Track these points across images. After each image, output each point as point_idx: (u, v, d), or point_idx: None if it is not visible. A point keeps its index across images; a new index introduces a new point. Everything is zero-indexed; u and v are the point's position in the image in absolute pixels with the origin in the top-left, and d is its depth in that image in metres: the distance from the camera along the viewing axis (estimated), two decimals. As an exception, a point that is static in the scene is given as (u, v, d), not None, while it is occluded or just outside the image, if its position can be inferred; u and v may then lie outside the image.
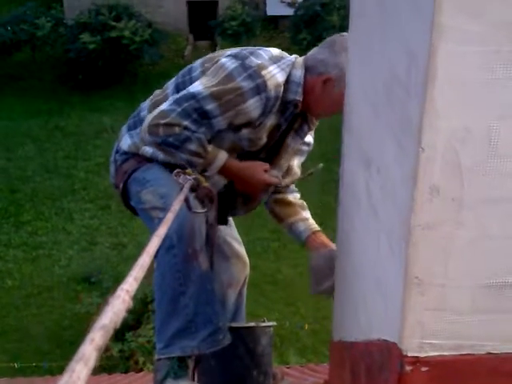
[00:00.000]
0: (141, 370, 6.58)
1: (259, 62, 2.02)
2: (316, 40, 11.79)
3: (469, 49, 1.04)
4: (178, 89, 2.12)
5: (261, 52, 2.09)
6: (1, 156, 14.85)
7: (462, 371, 1.24)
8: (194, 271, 1.94)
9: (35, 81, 17.95)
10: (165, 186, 2.02)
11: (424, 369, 1.21)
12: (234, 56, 2.05)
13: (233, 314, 2.50)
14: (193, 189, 1.89)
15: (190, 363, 2.01)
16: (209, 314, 1.97)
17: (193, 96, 1.98)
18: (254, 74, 1.98)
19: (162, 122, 1.98)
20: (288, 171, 2.34)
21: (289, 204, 2.38)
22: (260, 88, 1.98)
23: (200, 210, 1.92)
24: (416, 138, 1.09)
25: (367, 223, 1.49)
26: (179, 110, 1.98)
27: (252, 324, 2.35)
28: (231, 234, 2.49)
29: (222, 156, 2.07)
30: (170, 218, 1.30)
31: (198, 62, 2.19)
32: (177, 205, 1.48)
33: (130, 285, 0.80)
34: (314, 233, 2.32)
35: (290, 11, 18.72)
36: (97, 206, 13.32)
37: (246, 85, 1.97)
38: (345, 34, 2.12)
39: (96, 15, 17.36)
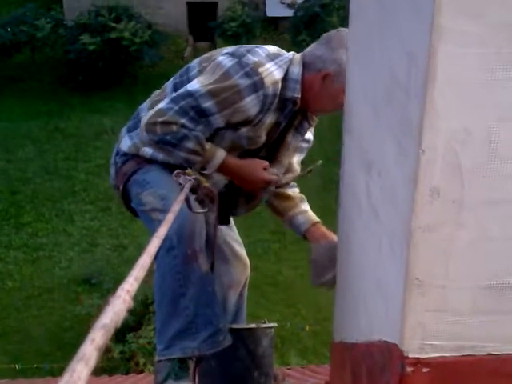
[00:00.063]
0: (141, 372, 6.58)
1: (256, 59, 2.02)
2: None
3: (468, 50, 1.04)
4: (176, 88, 2.12)
5: (258, 50, 2.09)
6: (1, 157, 14.85)
7: (462, 372, 1.24)
8: (194, 273, 1.94)
9: (35, 82, 17.95)
10: (165, 188, 2.02)
11: (425, 370, 1.22)
12: (231, 54, 2.06)
13: (233, 316, 2.50)
14: (193, 189, 1.89)
15: (191, 364, 2.00)
16: (209, 315, 1.97)
17: (190, 94, 1.99)
18: (251, 71, 1.98)
19: (160, 120, 1.98)
20: (288, 168, 2.33)
21: (288, 198, 2.37)
22: (257, 85, 1.98)
23: (200, 210, 1.92)
24: (416, 139, 1.09)
25: (368, 225, 1.49)
26: (176, 108, 1.98)
27: (253, 325, 2.34)
28: (232, 235, 2.49)
29: (221, 154, 2.07)
30: (170, 218, 1.30)
31: (195, 62, 2.19)
32: (177, 205, 1.48)
33: (130, 285, 0.80)
34: (314, 224, 2.31)
35: (289, 12, 18.73)
36: (97, 207, 13.32)
37: (243, 82, 1.97)
38: (342, 29, 2.13)
39: (96, 16, 17.36)
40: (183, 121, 1.97)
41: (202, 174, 2.04)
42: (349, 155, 1.70)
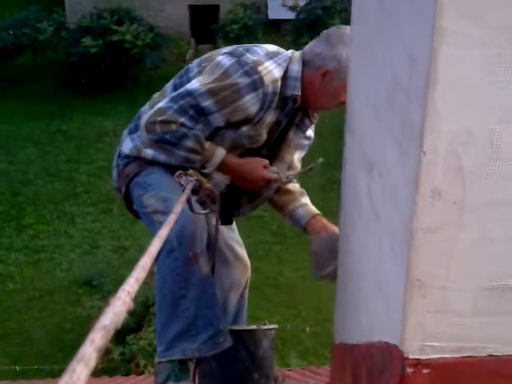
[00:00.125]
0: (142, 373, 6.58)
1: (255, 58, 2.02)
2: (317, 43, 11.77)
3: (470, 52, 1.04)
4: (175, 89, 2.12)
5: (257, 48, 2.09)
6: (2, 159, 14.86)
7: (463, 373, 1.24)
8: (194, 275, 1.94)
9: (37, 85, 17.97)
10: (166, 190, 2.03)
11: (425, 371, 1.22)
12: (230, 53, 2.06)
13: (234, 317, 2.50)
14: (195, 190, 1.89)
15: (191, 366, 2.00)
16: (209, 317, 1.97)
17: (189, 93, 1.99)
18: (251, 70, 1.99)
19: (159, 119, 1.99)
20: (289, 166, 2.33)
21: (288, 192, 2.35)
22: (257, 84, 1.98)
23: (202, 211, 1.93)
24: (418, 141, 1.09)
25: (369, 226, 1.49)
26: (176, 107, 1.99)
27: (253, 327, 2.34)
28: (233, 237, 2.49)
29: (220, 152, 2.07)
30: (172, 219, 1.30)
31: (195, 62, 2.20)
32: (179, 206, 1.48)
33: (130, 286, 0.80)
34: (314, 216, 2.30)
35: (291, 15, 18.75)
36: (99, 209, 13.33)
37: (243, 81, 1.98)
38: (341, 26, 2.13)
39: (98, 19, 17.38)
40: (182, 120, 1.98)
41: (203, 175, 2.04)
42: (350, 156, 1.70)
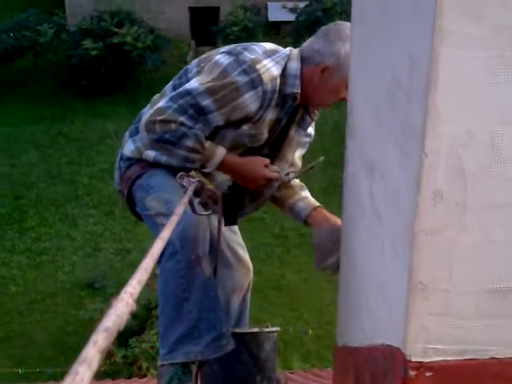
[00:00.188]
0: (144, 376, 6.57)
1: (253, 56, 2.03)
2: (318, 45, 11.77)
3: (470, 53, 1.04)
4: (175, 90, 2.13)
5: (254, 47, 2.10)
6: (4, 162, 14.87)
7: (465, 376, 1.24)
8: (197, 277, 1.94)
9: (38, 87, 17.98)
10: (169, 192, 2.03)
11: (428, 374, 1.21)
12: (228, 52, 2.07)
13: (236, 320, 2.49)
14: (197, 191, 1.89)
15: (194, 369, 2.00)
16: (212, 319, 1.97)
17: (188, 92, 1.99)
18: (249, 68, 1.99)
19: (159, 118, 1.99)
20: (290, 163, 2.33)
21: (287, 186, 2.34)
22: (255, 82, 1.98)
23: (204, 212, 1.93)
24: (419, 143, 1.09)
25: (371, 228, 1.49)
26: (175, 106, 1.99)
27: (255, 329, 2.34)
28: (235, 239, 2.48)
29: (221, 152, 2.07)
30: (174, 220, 1.30)
31: (193, 63, 2.20)
32: (181, 207, 1.48)
33: (133, 287, 0.80)
34: (315, 209, 2.29)
35: (291, 17, 18.75)
36: (101, 211, 13.32)
37: (241, 79, 1.98)
38: (339, 22, 2.13)
39: (98, 21, 17.39)
40: (182, 119, 1.98)
41: (205, 176, 2.04)
42: (352, 158, 1.70)
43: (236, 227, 2.49)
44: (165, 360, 1.98)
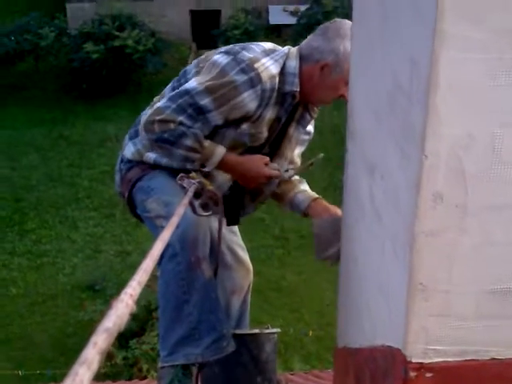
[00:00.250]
0: (145, 378, 6.57)
1: (251, 55, 2.03)
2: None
3: (471, 56, 1.04)
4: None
5: (253, 46, 2.11)
6: (5, 165, 14.88)
7: (466, 377, 1.24)
8: (197, 279, 1.94)
9: (39, 90, 18.00)
10: (169, 194, 2.03)
11: (428, 375, 1.21)
12: (226, 52, 2.08)
13: (237, 321, 2.49)
14: (197, 193, 1.89)
15: (194, 371, 2.00)
16: (212, 321, 1.97)
17: (187, 92, 2.00)
18: (247, 67, 1.99)
19: (158, 118, 1.99)
20: (289, 161, 2.33)
21: (286, 181, 2.34)
22: (254, 81, 1.99)
23: (205, 213, 1.93)
24: (419, 145, 1.10)
25: (371, 229, 1.49)
26: (174, 106, 1.99)
27: (256, 331, 2.34)
28: (235, 240, 2.49)
29: (220, 151, 2.07)
30: (174, 221, 1.30)
31: (192, 64, 2.21)
32: (181, 208, 1.48)
33: (133, 288, 0.80)
34: (315, 200, 2.29)
35: (292, 20, 18.78)
36: (101, 214, 13.34)
37: (240, 78, 1.98)
38: (338, 20, 2.14)
39: (99, 25, 17.41)
40: (181, 118, 1.98)
41: (205, 177, 2.04)
42: (352, 160, 1.71)
43: (236, 228, 2.49)
44: (165, 362, 1.98)
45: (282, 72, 2.07)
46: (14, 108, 17.11)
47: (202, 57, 2.21)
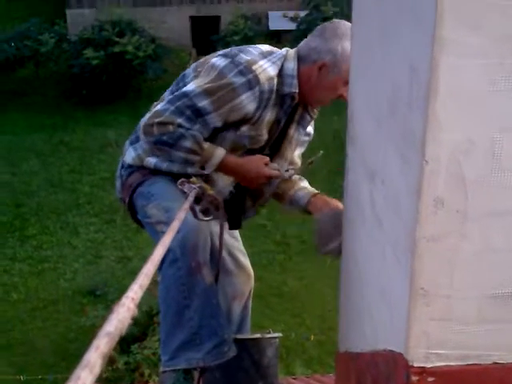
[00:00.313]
0: (146, 383, 6.56)
1: (249, 58, 2.04)
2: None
3: (470, 61, 1.05)
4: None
5: (250, 49, 2.12)
6: (5, 171, 14.87)
7: (468, 381, 1.24)
8: (198, 284, 1.94)
9: (39, 96, 18.00)
10: (169, 200, 2.03)
11: (430, 379, 1.21)
12: (224, 55, 2.09)
13: (238, 326, 2.49)
14: (198, 198, 1.90)
15: (196, 375, 2.00)
16: (214, 326, 1.97)
17: (185, 94, 2.01)
18: (245, 69, 2.00)
19: (156, 120, 2.00)
20: (289, 162, 2.33)
21: (286, 180, 2.33)
22: (252, 83, 1.99)
23: (205, 218, 1.93)
24: (419, 150, 1.10)
25: (372, 235, 1.50)
26: (172, 108, 2.00)
27: (257, 335, 2.34)
28: (237, 246, 2.48)
29: (220, 152, 2.07)
30: (175, 225, 1.30)
31: (191, 68, 2.21)
32: (182, 213, 1.49)
33: (134, 292, 0.80)
34: (315, 195, 2.29)
35: (292, 25, 18.77)
36: (102, 219, 13.31)
37: (238, 80, 1.99)
38: (335, 20, 2.15)
39: (99, 31, 17.41)
40: (180, 120, 1.99)
41: (206, 182, 2.05)
42: (352, 165, 1.71)
43: (237, 234, 2.49)
44: (167, 366, 1.98)
45: (280, 74, 2.08)
46: (15, 114, 17.11)
47: (201, 60, 2.22)
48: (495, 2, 1.02)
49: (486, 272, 1.18)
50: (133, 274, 0.88)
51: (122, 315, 0.73)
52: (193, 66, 2.22)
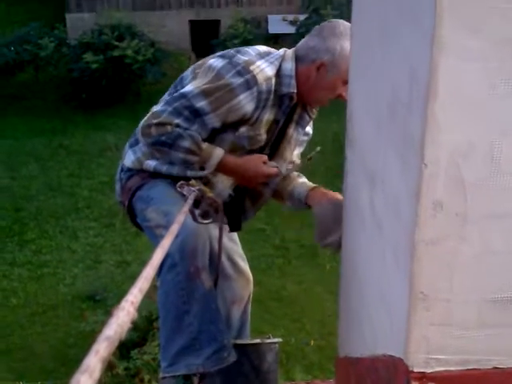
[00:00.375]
0: (146, 388, 6.54)
1: (246, 58, 2.05)
2: (318, 56, 11.78)
3: (470, 64, 1.04)
4: None
5: (248, 49, 2.13)
6: (5, 175, 14.87)
7: (468, 386, 1.23)
8: (197, 289, 1.93)
9: (39, 100, 18.02)
10: (169, 204, 2.02)
11: (430, 384, 1.21)
12: (222, 56, 2.10)
13: (237, 331, 2.48)
14: (197, 200, 1.89)
15: (195, 381, 1.99)
16: (213, 331, 1.96)
17: (183, 95, 2.01)
18: (243, 70, 2.00)
19: (154, 121, 2.01)
20: (288, 162, 2.32)
21: (284, 177, 2.32)
22: (250, 83, 1.99)
23: (205, 221, 1.93)
24: (419, 153, 1.10)
25: (371, 238, 1.49)
26: (170, 109, 2.01)
27: (257, 341, 2.33)
28: (236, 250, 2.48)
29: (218, 153, 2.07)
30: (174, 229, 1.29)
31: (189, 70, 2.22)
32: (181, 216, 1.48)
33: (134, 296, 0.80)
34: (313, 189, 2.28)
35: (291, 29, 18.80)
36: (101, 224, 13.30)
37: (235, 81, 1.99)
38: (333, 20, 2.15)
39: (99, 35, 17.44)
40: (178, 121, 1.99)
41: (205, 184, 2.05)
42: (352, 168, 1.70)
43: (236, 238, 2.49)
44: (166, 372, 1.97)
45: (278, 74, 2.08)
46: (15, 118, 17.12)
47: (199, 63, 2.23)
48: (495, 4, 1.02)
49: (485, 276, 1.18)
50: (132, 279, 0.87)
51: (121, 319, 0.72)
52: (191, 68, 2.22)
